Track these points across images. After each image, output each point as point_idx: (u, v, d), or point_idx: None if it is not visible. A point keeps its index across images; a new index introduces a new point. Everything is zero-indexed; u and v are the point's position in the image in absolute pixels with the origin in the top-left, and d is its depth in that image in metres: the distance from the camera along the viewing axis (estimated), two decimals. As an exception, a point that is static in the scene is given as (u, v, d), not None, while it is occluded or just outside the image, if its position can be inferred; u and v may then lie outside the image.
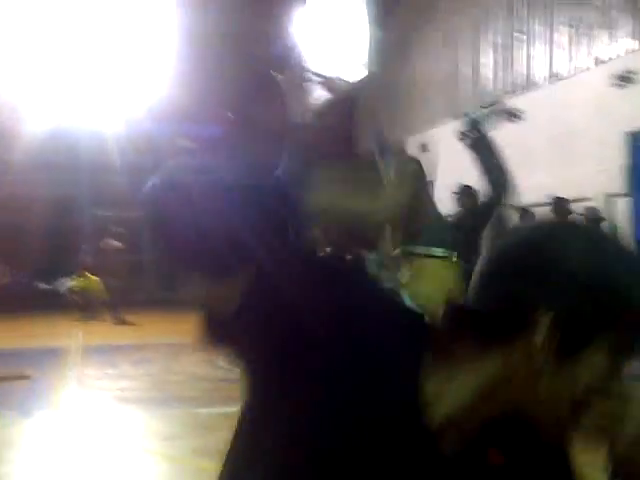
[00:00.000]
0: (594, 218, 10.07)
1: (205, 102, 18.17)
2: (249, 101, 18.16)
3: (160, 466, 5.82)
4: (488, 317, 0.96)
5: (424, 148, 16.31)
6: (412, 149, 16.86)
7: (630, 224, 10.97)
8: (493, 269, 0.99)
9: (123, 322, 14.91)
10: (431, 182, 5.87)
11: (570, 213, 9.77)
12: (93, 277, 16.49)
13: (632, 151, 11.01)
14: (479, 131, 4.80)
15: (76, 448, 6.12)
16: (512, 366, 0.96)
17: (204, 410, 7.44)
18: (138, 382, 9.03)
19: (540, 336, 0.92)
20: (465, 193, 8.59)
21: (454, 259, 3.96)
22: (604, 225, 10.24)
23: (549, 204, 9.98)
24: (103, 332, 13.91)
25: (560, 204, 9.82)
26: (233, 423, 1.12)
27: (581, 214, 9.92)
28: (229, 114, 18.48)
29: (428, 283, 3.54)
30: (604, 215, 10.50)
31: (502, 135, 13.79)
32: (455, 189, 8.67)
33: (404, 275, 3.32)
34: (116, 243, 16.36)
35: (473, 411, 0.98)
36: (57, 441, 6.39)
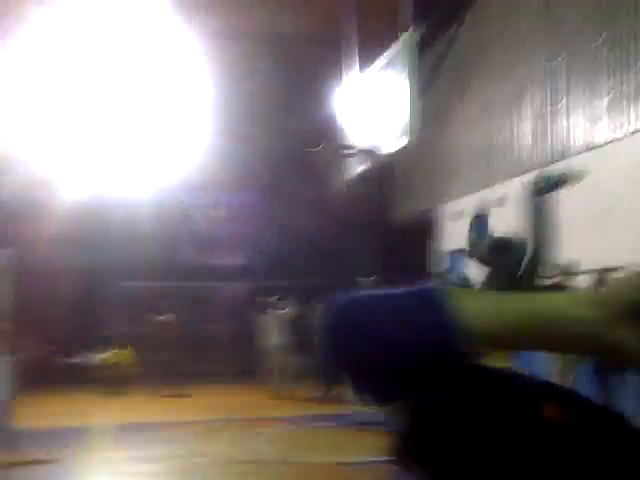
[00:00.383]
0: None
1: (238, 171, 18.20)
2: (282, 171, 18.21)
3: None
4: None
5: (459, 215, 16.12)
6: (449, 216, 16.72)
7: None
8: None
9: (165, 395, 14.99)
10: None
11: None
12: (124, 351, 16.29)
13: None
14: (542, 196, 4.88)
15: None
16: None
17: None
18: (167, 465, 8.71)
19: None
20: (499, 247, 8.43)
21: None
22: None
23: (590, 274, 9.79)
24: (133, 409, 13.63)
25: (601, 275, 9.63)
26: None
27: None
28: (262, 183, 18.52)
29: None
30: None
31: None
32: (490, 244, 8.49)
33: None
34: (169, 316, 16.64)
35: None
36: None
